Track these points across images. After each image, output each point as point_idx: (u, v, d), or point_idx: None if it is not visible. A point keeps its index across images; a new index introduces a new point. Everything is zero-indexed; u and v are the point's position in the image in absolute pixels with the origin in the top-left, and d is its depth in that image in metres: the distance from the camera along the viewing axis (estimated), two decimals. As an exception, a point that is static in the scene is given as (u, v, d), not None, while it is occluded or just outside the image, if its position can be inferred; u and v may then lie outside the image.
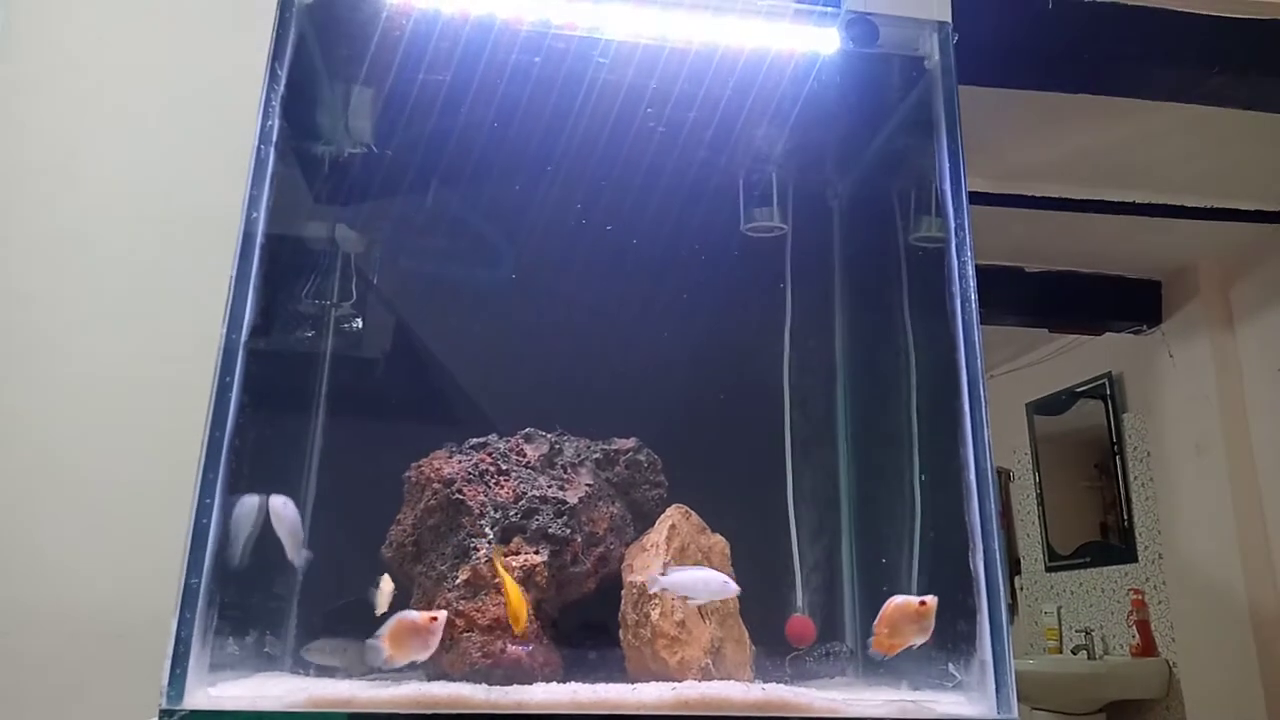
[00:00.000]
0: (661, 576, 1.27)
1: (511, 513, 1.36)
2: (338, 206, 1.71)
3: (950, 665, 1.30)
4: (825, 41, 1.57)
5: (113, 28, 1.82)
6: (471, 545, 1.32)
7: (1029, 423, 5.19)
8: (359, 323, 1.70)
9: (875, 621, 1.24)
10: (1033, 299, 4.11)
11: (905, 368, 1.64)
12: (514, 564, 1.32)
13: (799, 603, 1.65)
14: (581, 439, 1.51)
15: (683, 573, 1.29)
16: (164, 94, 1.79)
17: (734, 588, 1.28)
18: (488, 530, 1.34)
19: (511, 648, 1.26)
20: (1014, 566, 5.25)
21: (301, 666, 1.37)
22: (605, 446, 1.50)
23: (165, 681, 1.07)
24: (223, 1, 1.82)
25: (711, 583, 1.28)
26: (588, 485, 1.43)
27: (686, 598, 1.29)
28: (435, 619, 1.14)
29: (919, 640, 1.21)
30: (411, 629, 1.14)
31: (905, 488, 1.60)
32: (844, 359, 1.81)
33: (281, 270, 1.39)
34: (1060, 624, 4.88)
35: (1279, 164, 3.18)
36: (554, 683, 1.23)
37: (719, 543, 1.49)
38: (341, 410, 1.59)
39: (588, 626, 1.38)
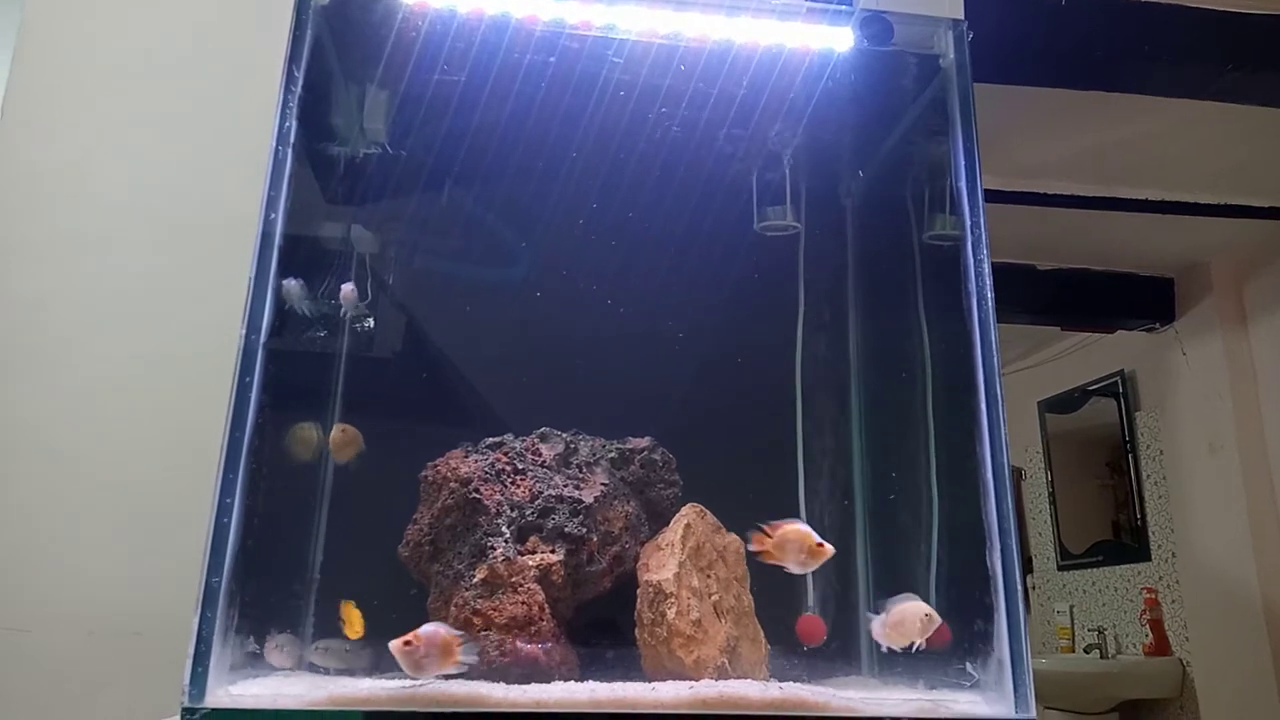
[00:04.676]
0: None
1: (528, 512, 1.37)
2: (353, 206, 1.71)
3: (968, 664, 1.30)
4: (839, 40, 1.57)
5: (127, 30, 1.83)
6: (488, 544, 1.33)
7: (1041, 421, 5.17)
8: (374, 322, 1.70)
9: (767, 526, 1.28)
10: (1045, 297, 4.09)
11: (920, 366, 1.63)
12: (530, 563, 1.32)
13: (811, 602, 1.65)
14: (597, 438, 1.51)
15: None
16: (179, 96, 1.80)
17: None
18: (504, 529, 1.34)
19: (528, 646, 1.26)
20: (1026, 565, 5.24)
21: (321, 665, 1.38)
22: (620, 446, 1.51)
23: (187, 680, 1.08)
24: (239, 3, 1.83)
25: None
26: (603, 484, 1.43)
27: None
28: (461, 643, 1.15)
29: (794, 569, 1.28)
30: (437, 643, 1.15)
31: (920, 486, 1.59)
32: (858, 357, 1.81)
33: (298, 271, 1.39)
34: (1073, 623, 4.87)
35: (1293, 161, 3.16)
36: (571, 681, 1.24)
37: (734, 542, 1.49)
38: (357, 410, 1.59)
39: (603, 625, 1.38)
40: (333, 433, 1.52)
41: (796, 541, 1.27)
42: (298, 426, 1.50)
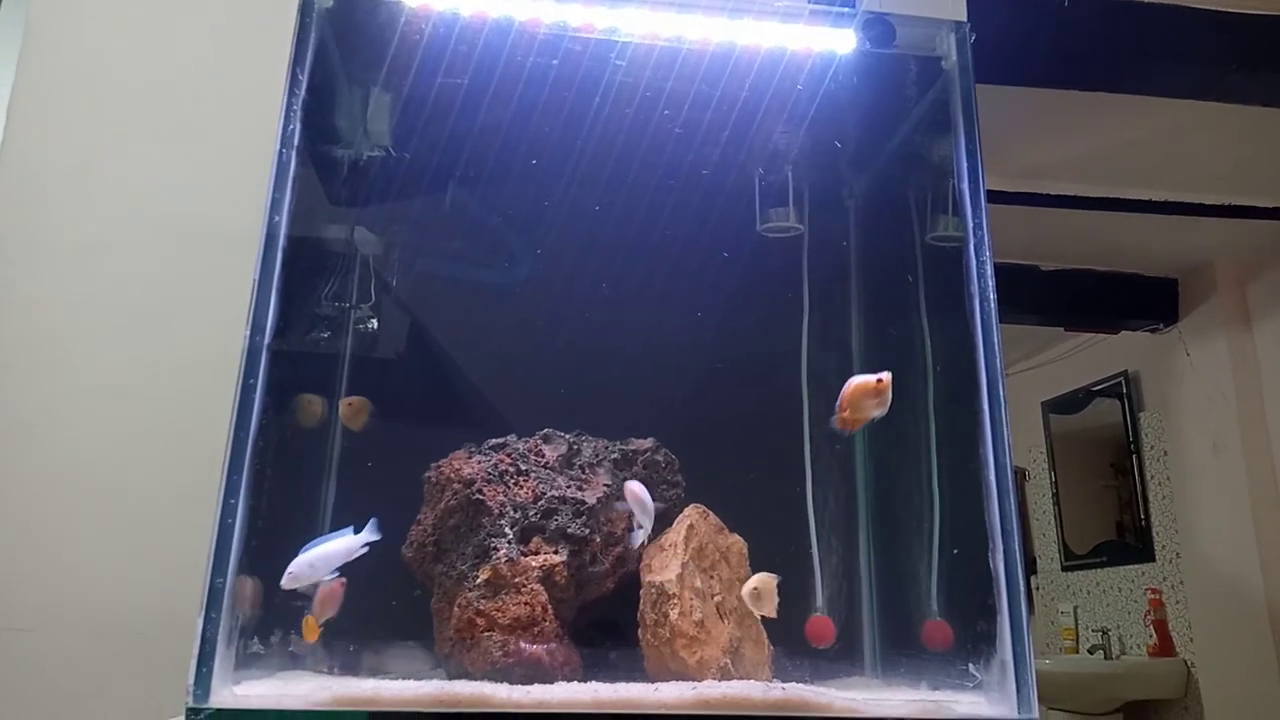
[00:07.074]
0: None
1: (531, 513, 1.37)
2: (356, 209, 1.72)
3: (970, 665, 1.30)
4: (842, 42, 1.57)
5: (131, 35, 1.83)
6: (491, 545, 1.33)
7: (1045, 421, 5.17)
8: (377, 324, 1.71)
9: (837, 403, 1.31)
10: (1048, 297, 4.09)
11: (923, 367, 1.64)
12: (533, 564, 1.33)
13: (818, 603, 1.65)
14: (599, 439, 1.51)
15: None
16: (183, 100, 1.81)
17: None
18: (507, 530, 1.35)
19: (532, 647, 1.26)
20: (1030, 566, 5.24)
21: (325, 665, 1.38)
22: (623, 447, 1.51)
23: (191, 681, 1.08)
24: (243, 6, 1.84)
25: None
26: (606, 485, 1.44)
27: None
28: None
29: (878, 413, 1.29)
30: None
31: (924, 487, 1.59)
32: (861, 358, 1.81)
33: (302, 273, 1.40)
34: (1077, 624, 4.86)
35: (1297, 161, 3.16)
36: (575, 682, 1.24)
37: (737, 543, 1.50)
38: (361, 411, 1.59)
39: (606, 626, 1.39)
40: (340, 409, 1.55)
41: (862, 395, 1.29)
42: (304, 398, 1.52)
